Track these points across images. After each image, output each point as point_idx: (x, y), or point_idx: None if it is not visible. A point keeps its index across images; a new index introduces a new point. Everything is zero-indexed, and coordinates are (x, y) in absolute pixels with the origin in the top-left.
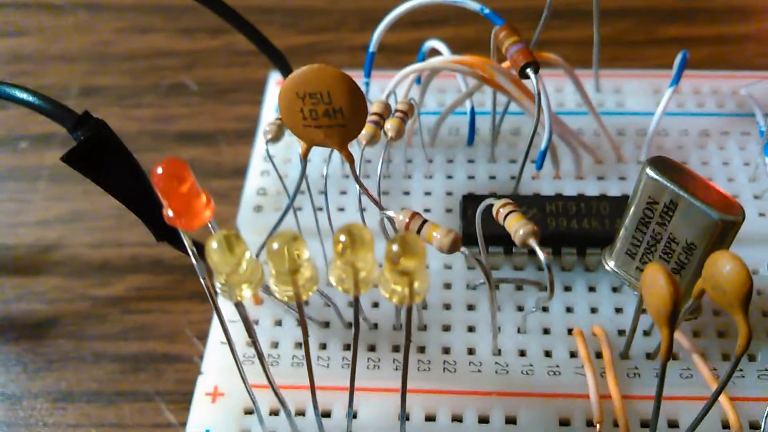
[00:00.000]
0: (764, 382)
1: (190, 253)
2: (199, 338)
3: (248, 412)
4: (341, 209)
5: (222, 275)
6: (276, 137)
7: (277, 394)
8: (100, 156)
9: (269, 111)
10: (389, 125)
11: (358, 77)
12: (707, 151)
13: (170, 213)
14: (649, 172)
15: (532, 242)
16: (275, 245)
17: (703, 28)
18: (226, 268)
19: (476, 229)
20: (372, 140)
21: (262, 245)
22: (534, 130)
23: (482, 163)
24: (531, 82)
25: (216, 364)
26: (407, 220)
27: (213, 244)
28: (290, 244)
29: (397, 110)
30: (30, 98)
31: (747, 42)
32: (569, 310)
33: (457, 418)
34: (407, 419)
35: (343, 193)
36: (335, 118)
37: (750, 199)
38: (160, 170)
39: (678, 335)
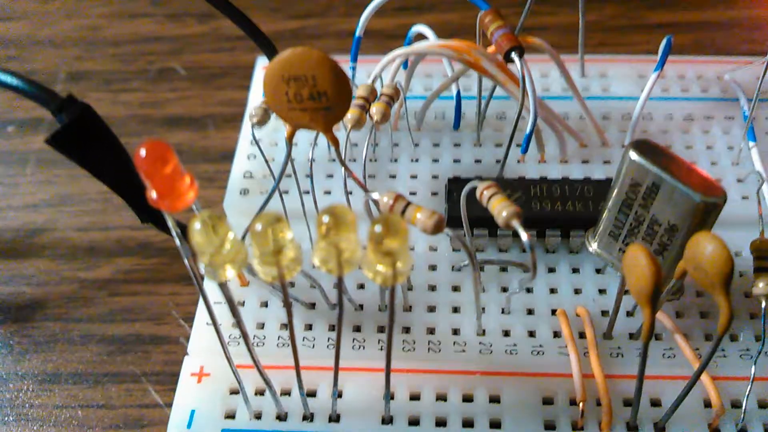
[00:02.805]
0: (746, 362)
1: (174, 234)
2: (185, 320)
3: (234, 392)
4: (327, 192)
5: (205, 256)
6: (262, 121)
7: (261, 373)
8: (85, 139)
9: (256, 95)
10: (375, 109)
11: (344, 62)
12: (691, 136)
13: (154, 195)
14: (632, 154)
15: (515, 223)
16: (258, 226)
17: (688, 13)
18: (210, 248)
19: (461, 211)
20: (357, 124)
21: (247, 228)
22: (519, 114)
23: (468, 147)
24: (516, 67)
25: (202, 346)
26: (391, 202)
27: (196, 225)
28: (273, 225)
29: (382, 94)
30: (14, 81)
31: (731, 27)
32: (553, 291)
33: (442, 397)
34: (392, 398)
35: (330, 176)
36: (320, 101)
37: (733, 182)
38: (143, 152)
39: (661, 316)
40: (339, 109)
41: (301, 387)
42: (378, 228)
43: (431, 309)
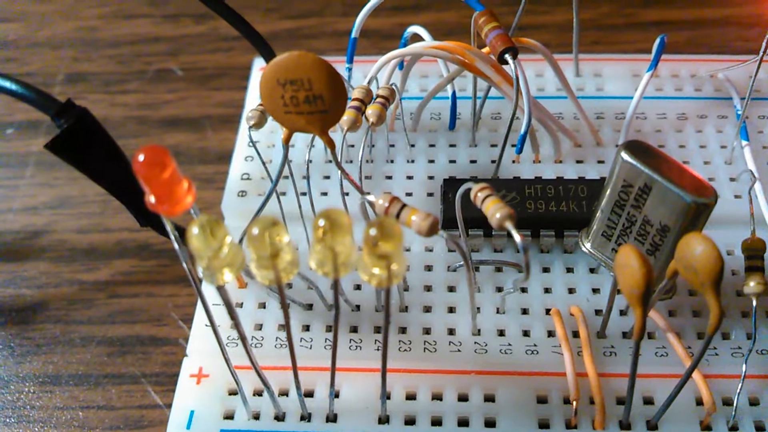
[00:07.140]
0: (737, 360)
1: (172, 238)
2: (184, 321)
3: (232, 393)
4: (324, 194)
5: (204, 260)
6: (259, 123)
7: (259, 374)
8: (83, 143)
9: (253, 97)
10: (370, 111)
11: (341, 63)
12: (685, 135)
13: (152, 200)
14: (624, 156)
15: (509, 225)
16: (255, 230)
17: (681, 11)
18: (208, 252)
19: (456, 212)
20: (353, 126)
21: (245, 230)
22: (513, 114)
23: (463, 147)
24: (510, 68)
25: (201, 347)
26: (387, 204)
27: (194, 230)
28: (270, 229)
29: (378, 96)
30: (12, 86)
31: (725, 26)
32: (547, 290)
33: (437, 397)
34: (388, 398)
35: (326, 177)
36: (316, 105)
37: (726, 181)
38: (141, 157)
39: (653, 315)
40: (335, 112)
41: (298, 387)
42: (373, 231)
43: (427, 309)
